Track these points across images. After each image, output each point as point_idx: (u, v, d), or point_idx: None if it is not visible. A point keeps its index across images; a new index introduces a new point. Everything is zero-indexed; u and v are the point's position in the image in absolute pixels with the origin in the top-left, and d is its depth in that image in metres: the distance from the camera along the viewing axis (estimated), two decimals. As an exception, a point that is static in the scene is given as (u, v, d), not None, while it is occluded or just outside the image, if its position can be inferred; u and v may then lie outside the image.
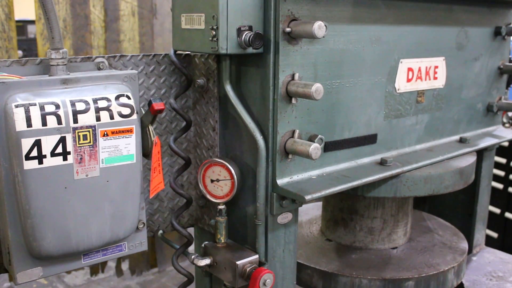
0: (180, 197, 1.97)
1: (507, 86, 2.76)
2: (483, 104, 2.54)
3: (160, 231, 1.99)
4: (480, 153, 2.64)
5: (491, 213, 5.15)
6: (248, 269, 1.72)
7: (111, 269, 5.19)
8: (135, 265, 5.14)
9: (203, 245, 1.86)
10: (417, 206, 2.93)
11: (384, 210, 2.25)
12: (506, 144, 4.97)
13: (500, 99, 2.62)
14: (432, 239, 2.42)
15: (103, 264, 5.14)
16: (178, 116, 1.91)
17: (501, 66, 2.58)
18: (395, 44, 1.99)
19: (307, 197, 1.63)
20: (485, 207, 2.76)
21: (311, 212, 2.74)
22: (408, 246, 2.35)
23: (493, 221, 5.15)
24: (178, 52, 1.85)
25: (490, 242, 5.19)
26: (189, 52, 1.87)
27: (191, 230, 1.99)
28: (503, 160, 5.03)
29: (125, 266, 5.20)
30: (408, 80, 2.08)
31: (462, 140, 2.36)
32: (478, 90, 2.48)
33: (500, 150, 4.98)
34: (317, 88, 1.58)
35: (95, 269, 5.10)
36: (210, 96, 1.84)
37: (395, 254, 2.27)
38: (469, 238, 2.73)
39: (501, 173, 5.06)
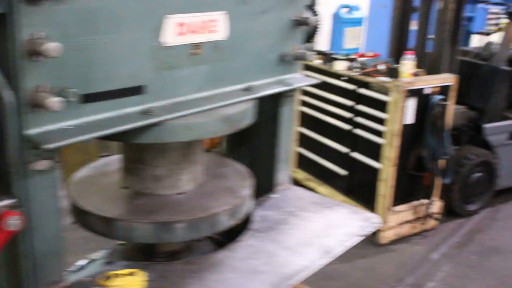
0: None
1: (309, 39, 2.95)
2: (275, 54, 2.72)
3: None
4: (278, 99, 2.87)
5: (340, 153, 5.53)
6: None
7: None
8: None
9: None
10: (233, 150, 3.16)
11: (168, 160, 2.47)
12: (351, 87, 5.24)
13: (296, 49, 2.80)
14: (219, 185, 2.66)
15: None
16: None
17: (296, 18, 2.75)
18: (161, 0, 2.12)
19: (49, 146, 1.80)
20: (287, 149, 3.00)
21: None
22: (194, 191, 2.58)
23: (342, 160, 5.56)
24: None
25: (339, 178, 5.62)
26: None
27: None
28: (351, 103, 5.37)
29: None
30: (181, 34, 2.21)
31: (247, 89, 2.56)
32: (269, 41, 2.65)
33: (347, 94, 5.29)
34: (51, 47, 1.73)
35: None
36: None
37: (178, 200, 2.50)
38: (273, 178, 3.00)
39: (349, 115, 5.41)
